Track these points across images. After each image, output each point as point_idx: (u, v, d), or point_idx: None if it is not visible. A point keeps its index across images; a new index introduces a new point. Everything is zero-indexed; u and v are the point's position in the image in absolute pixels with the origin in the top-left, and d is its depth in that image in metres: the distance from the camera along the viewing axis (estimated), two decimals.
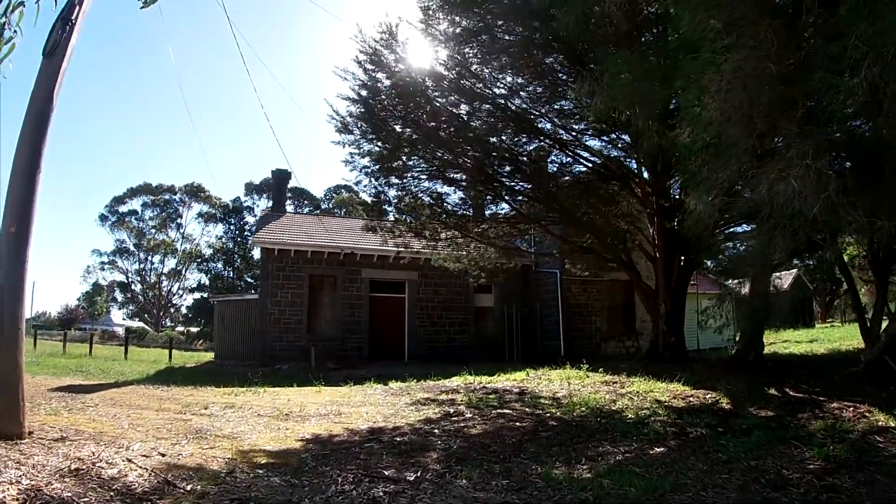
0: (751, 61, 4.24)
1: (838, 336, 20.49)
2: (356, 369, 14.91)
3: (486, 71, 11.33)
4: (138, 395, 9.35)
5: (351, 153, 12.04)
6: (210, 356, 23.31)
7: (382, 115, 11.33)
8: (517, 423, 6.81)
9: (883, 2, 3.62)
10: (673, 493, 4.10)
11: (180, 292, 60.04)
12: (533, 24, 9.50)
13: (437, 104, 11.28)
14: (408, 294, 18.71)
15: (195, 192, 57.10)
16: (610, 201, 13.30)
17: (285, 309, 17.14)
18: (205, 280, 56.24)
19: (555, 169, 13.64)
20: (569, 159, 13.38)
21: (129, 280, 58.48)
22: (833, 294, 36.86)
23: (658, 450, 5.44)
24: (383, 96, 11.29)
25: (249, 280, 49.93)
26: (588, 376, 10.56)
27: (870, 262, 10.82)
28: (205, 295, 50.17)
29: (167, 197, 57.68)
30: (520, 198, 13.53)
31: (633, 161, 13.08)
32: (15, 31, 3.96)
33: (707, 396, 8.12)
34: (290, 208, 36.58)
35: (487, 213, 15.26)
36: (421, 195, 13.39)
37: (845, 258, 12.95)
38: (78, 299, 61.57)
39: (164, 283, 58.89)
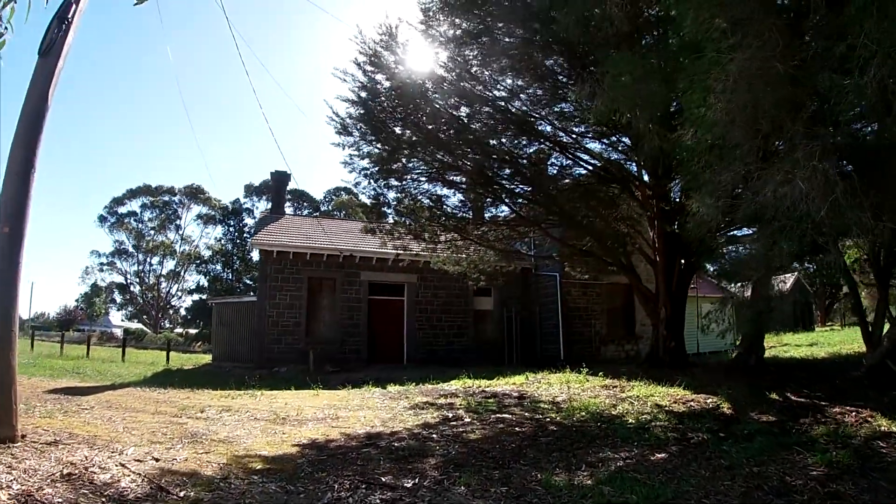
0: (756, 61, 4.18)
1: (838, 340, 20.43)
2: (354, 372, 14.84)
3: (487, 73, 11.28)
4: (134, 397, 9.27)
5: (350, 155, 12.01)
6: (208, 358, 23.22)
7: (382, 116, 11.28)
8: (516, 428, 6.74)
9: (892, 0, 3.56)
10: (675, 501, 4.05)
11: (179, 294, 60.03)
12: (533, 27, 9.47)
13: (437, 106, 11.22)
14: (407, 297, 18.64)
15: (194, 193, 57.05)
16: (610, 204, 13.25)
17: (284, 311, 17.06)
18: (204, 282, 56.22)
19: (555, 171, 13.60)
20: (569, 162, 13.35)
21: (128, 281, 58.42)
22: (832, 297, 36.81)
23: (659, 456, 5.38)
24: (383, 98, 11.24)
25: (248, 282, 49.85)
26: (588, 380, 10.50)
27: (871, 266, 10.77)
28: (203, 297, 50.11)
29: (166, 198, 57.63)
30: (520, 200, 13.48)
31: (634, 164, 13.04)
32: (6, 28, 3.89)
33: (708, 401, 8.06)
34: (289, 210, 36.45)
35: (487, 215, 15.18)
36: (420, 197, 13.34)
37: (846, 261, 12.88)
38: (76, 300, 61.58)
39: (163, 284, 58.82)
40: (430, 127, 11.37)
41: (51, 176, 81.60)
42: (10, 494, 3.57)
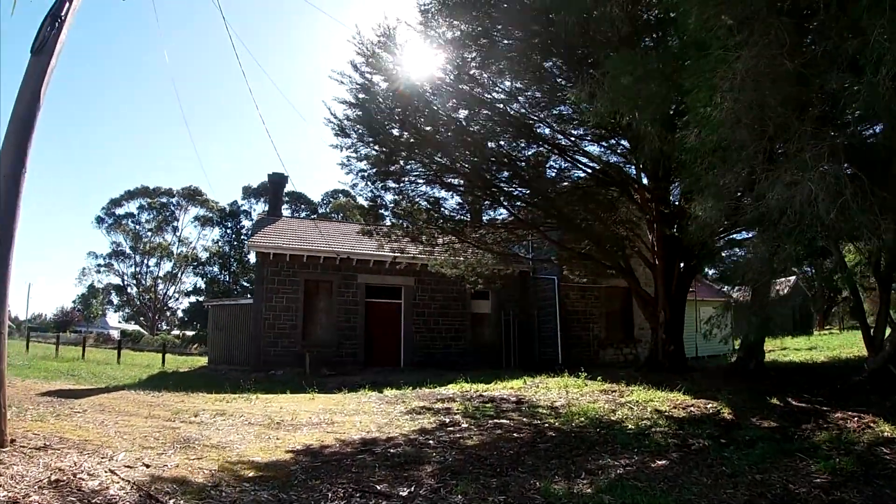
0: (763, 59, 4.11)
1: (837, 343, 20.38)
2: (351, 375, 14.75)
3: (485, 75, 11.22)
4: (128, 400, 9.18)
5: (348, 157, 11.94)
6: (204, 361, 23.09)
7: (379, 118, 11.20)
8: (514, 434, 6.66)
9: None
10: None
11: (176, 296, 59.73)
12: (532, 28, 9.40)
13: (435, 108, 11.16)
14: (404, 300, 18.54)
15: (192, 195, 56.86)
16: (609, 207, 13.20)
17: (280, 314, 16.95)
18: (201, 284, 55.96)
19: (553, 174, 13.55)
20: (567, 165, 13.29)
21: (125, 283, 58.12)
22: (831, 301, 36.76)
23: (660, 463, 5.30)
24: (381, 99, 11.16)
25: (246, 284, 49.69)
26: (586, 384, 10.42)
27: (873, 270, 10.71)
28: (201, 299, 49.85)
29: (164, 200, 57.42)
30: (518, 203, 13.43)
31: (633, 167, 13.00)
32: None
33: (708, 406, 7.98)
34: (287, 212, 36.32)
35: (485, 218, 15.11)
36: (418, 200, 13.28)
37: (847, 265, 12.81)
38: (74, 302, 61.37)
39: (160, 286, 58.55)
40: (427, 129, 11.31)
41: (49, 177, 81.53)
42: None
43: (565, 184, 13.52)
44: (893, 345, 9.08)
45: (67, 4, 5.77)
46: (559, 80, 10.84)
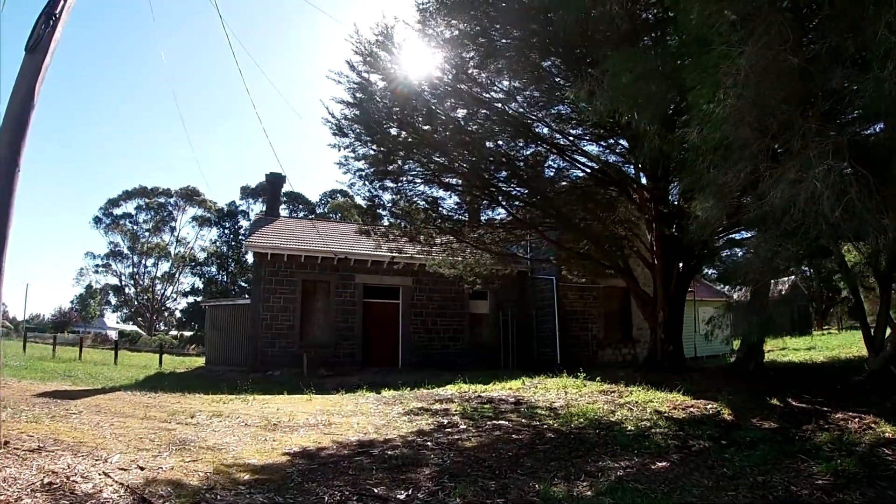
0: (767, 55, 4.06)
1: (836, 344, 20.38)
2: (349, 376, 14.69)
3: (484, 74, 11.17)
4: (124, 402, 9.11)
5: (345, 156, 11.88)
6: (202, 361, 23.00)
7: (377, 117, 11.15)
8: (513, 436, 6.61)
9: None
10: None
11: (174, 296, 59.64)
12: (531, 27, 9.36)
13: (433, 107, 11.11)
14: (402, 300, 18.49)
15: (190, 195, 56.73)
16: (607, 207, 13.16)
17: (278, 314, 16.89)
18: (199, 284, 55.94)
19: (552, 174, 13.51)
20: (566, 164, 13.24)
21: (123, 283, 58.00)
22: (830, 301, 36.78)
23: (660, 464, 5.25)
24: (378, 98, 11.11)
25: (243, 284, 49.62)
26: (585, 385, 10.37)
27: (873, 270, 10.68)
28: (198, 299, 49.77)
29: (162, 200, 57.29)
30: (516, 203, 13.38)
31: (632, 167, 12.96)
32: None
33: (708, 407, 7.94)
34: (284, 213, 36.24)
35: (483, 218, 15.05)
36: (416, 199, 13.22)
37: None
38: (71, 302, 61.29)
39: (158, 286, 58.40)
40: (426, 128, 11.26)
41: (46, 177, 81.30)
42: None
43: (564, 183, 13.47)
44: (894, 345, 9.06)
45: (62, 2, 5.71)
46: (558, 79, 10.80)
